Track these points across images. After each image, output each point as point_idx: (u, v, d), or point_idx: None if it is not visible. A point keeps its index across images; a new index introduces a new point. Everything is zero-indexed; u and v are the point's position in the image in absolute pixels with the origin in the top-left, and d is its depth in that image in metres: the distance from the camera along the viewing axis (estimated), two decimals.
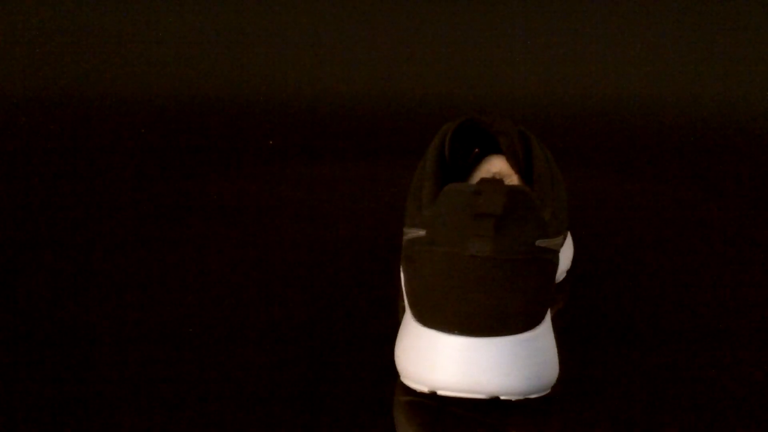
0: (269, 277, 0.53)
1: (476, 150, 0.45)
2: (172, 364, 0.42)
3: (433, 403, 0.38)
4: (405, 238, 0.40)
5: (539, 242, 0.37)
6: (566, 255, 0.51)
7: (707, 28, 1.12)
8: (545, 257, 0.38)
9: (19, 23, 1.09)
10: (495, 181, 0.37)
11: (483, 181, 0.37)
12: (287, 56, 1.11)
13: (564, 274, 0.51)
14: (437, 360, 0.37)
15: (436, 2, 1.15)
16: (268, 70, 1.10)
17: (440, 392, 0.37)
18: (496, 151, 0.48)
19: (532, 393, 0.37)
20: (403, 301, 0.42)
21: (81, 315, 0.47)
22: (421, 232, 0.38)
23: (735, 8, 1.12)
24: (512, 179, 0.46)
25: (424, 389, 0.37)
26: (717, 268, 0.56)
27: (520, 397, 0.37)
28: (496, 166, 0.46)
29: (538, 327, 0.37)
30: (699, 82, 1.08)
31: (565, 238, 0.43)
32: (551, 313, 0.40)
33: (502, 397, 0.36)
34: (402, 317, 0.41)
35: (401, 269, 0.41)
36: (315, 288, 0.51)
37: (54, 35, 1.09)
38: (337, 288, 0.51)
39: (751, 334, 0.46)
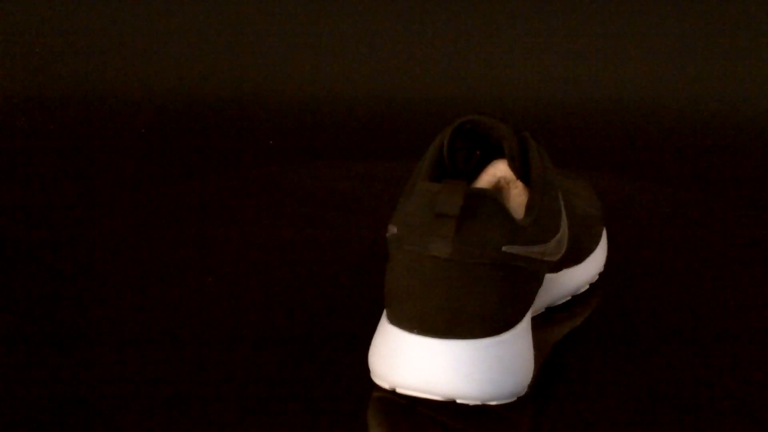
0: (269, 276, 0.53)
1: (477, 153, 0.44)
2: (172, 364, 0.42)
3: (403, 401, 0.38)
4: (386, 235, 0.40)
5: (507, 248, 0.37)
6: (596, 259, 0.50)
7: (707, 28, 1.12)
8: (513, 264, 0.37)
9: (19, 23, 1.09)
10: (456, 182, 0.37)
11: (446, 181, 0.37)
12: (287, 56, 1.11)
13: (595, 277, 0.51)
14: (397, 358, 0.37)
15: (436, 2, 1.15)
16: (268, 70, 1.10)
17: (399, 390, 0.37)
18: (502, 154, 0.48)
19: (490, 400, 0.37)
20: None
21: (81, 315, 0.47)
22: (395, 230, 0.38)
23: (735, 8, 1.12)
24: (517, 185, 0.46)
25: (387, 386, 0.38)
26: (717, 268, 0.56)
27: (477, 402, 0.37)
28: (502, 170, 0.46)
29: (503, 334, 0.37)
30: (699, 82, 1.08)
31: (560, 248, 0.42)
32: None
33: (457, 401, 0.37)
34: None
35: None
36: (315, 288, 0.51)
37: (54, 35, 1.09)
38: (337, 288, 0.51)
39: (751, 334, 0.46)
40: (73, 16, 1.10)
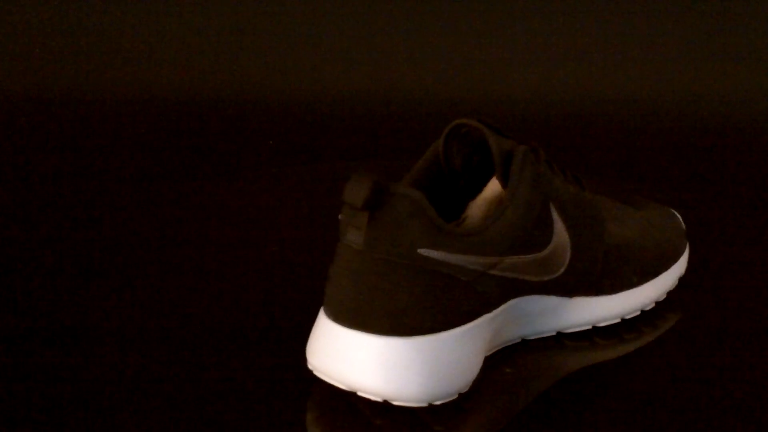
0: (269, 276, 0.53)
1: (476, 158, 0.44)
2: (172, 364, 0.42)
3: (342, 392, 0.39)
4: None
5: (424, 251, 0.37)
6: (638, 294, 0.47)
7: (707, 28, 1.12)
8: (431, 268, 0.37)
9: (19, 23, 1.09)
10: (368, 175, 0.36)
11: (361, 172, 0.37)
12: (287, 56, 1.11)
13: (634, 312, 0.47)
14: (316, 341, 0.38)
15: (436, 3, 1.15)
16: (268, 70, 1.10)
17: (315, 373, 0.38)
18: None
19: (392, 399, 0.37)
20: None
21: (81, 315, 0.47)
22: (340, 217, 0.39)
23: (735, 8, 1.12)
24: None
25: (309, 367, 0.39)
26: (716, 268, 0.56)
27: (378, 399, 0.37)
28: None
29: (416, 337, 0.37)
30: (699, 82, 1.08)
31: (544, 269, 0.41)
32: None
33: (359, 393, 0.37)
34: None
35: None
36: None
37: (54, 35, 1.09)
38: None
39: (751, 334, 0.46)
40: (73, 16, 1.10)
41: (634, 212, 0.49)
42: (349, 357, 0.37)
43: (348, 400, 0.39)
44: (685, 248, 0.50)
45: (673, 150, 0.94)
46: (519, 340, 0.44)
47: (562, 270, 0.42)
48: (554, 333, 0.45)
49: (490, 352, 0.43)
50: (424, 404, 0.37)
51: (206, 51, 1.10)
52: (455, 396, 0.38)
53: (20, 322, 0.46)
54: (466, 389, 0.39)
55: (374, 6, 1.14)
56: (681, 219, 0.52)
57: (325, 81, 1.09)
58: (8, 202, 0.69)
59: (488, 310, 0.39)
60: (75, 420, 0.37)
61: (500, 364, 0.42)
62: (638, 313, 0.47)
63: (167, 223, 0.63)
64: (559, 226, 0.42)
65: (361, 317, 0.37)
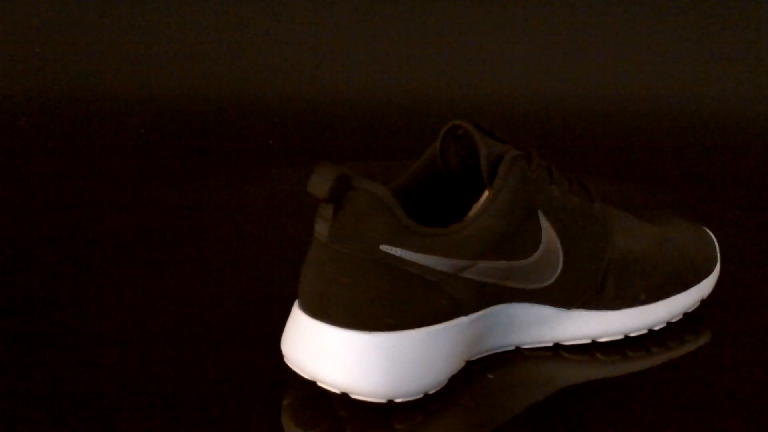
0: (269, 276, 0.53)
1: (471, 162, 0.44)
2: (172, 364, 0.42)
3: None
4: None
5: (386, 248, 0.37)
6: (648, 312, 0.45)
7: (707, 28, 1.12)
8: (394, 265, 0.37)
9: (19, 23, 1.09)
10: (330, 167, 0.36)
11: (324, 163, 0.37)
12: (287, 56, 1.11)
13: (639, 331, 0.45)
14: (287, 330, 0.39)
15: (436, 3, 1.15)
16: (268, 70, 1.10)
17: (285, 361, 0.39)
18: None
19: (349, 392, 0.37)
20: None
21: (81, 315, 0.47)
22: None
23: (735, 8, 1.12)
24: None
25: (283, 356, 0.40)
26: (746, 289, 0.56)
27: (335, 391, 0.37)
28: None
29: (375, 333, 0.37)
30: (699, 82, 1.08)
31: (524, 278, 0.40)
32: None
33: (317, 383, 0.38)
34: None
35: None
36: None
37: (54, 35, 1.09)
38: None
39: (751, 334, 0.46)
40: (73, 16, 1.10)
41: (649, 227, 0.47)
42: (311, 347, 0.37)
43: (320, 389, 0.39)
44: (712, 270, 0.48)
45: (673, 150, 0.94)
46: (513, 348, 0.44)
47: (552, 280, 0.41)
48: (551, 344, 0.44)
49: (475, 357, 0.42)
50: (383, 400, 0.38)
51: (206, 51, 1.10)
52: (420, 395, 0.38)
53: (20, 322, 0.46)
54: (434, 390, 0.39)
55: (374, 6, 1.14)
56: (714, 239, 0.49)
57: (325, 81, 1.09)
58: (8, 202, 0.69)
59: (463, 314, 0.39)
60: (75, 420, 0.37)
61: (486, 370, 0.42)
62: (645, 331, 0.45)
63: (167, 223, 0.63)
64: (550, 235, 0.41)
65: (323, 308, 0.37)
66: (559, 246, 0.41)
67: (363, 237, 0.36)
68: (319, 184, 0.36)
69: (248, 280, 0.52)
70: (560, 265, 0.41)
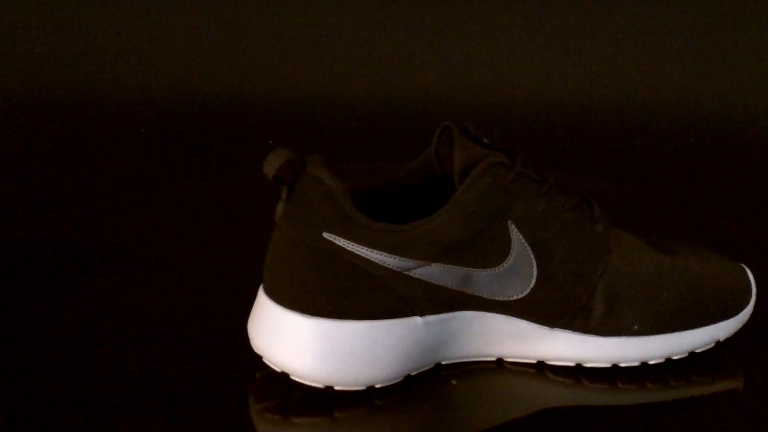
0: None
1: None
2: (171, 364, 0.42)
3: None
4: None
5: (329, 236, 0.37)
6: (643, 346, 0.42)
7: (707, 28, 1.12)
8: (335, 253, 0.37)
9: (19, 23, 1.09)
10: (283, 150, 0.37)
11: (282, 147, 0.38)
12: (287, 56, 1.11)
13: (630, 362, 0.42)
14: (254, 306, 0.41)
15: (436, 3, 1.15)
16: (268, 70, 1.10)
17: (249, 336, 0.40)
18: None
19: (289, 372, 0.38)
20: None
21: (81, 315, 0.47)
22: None
23: (735, 8, 1.12)
24: None
25: None
26: None
27: (276, 369, 0.39)
28: None
29: (316, 318, 0.37)
30: (699, 82, 1.08)
31: (487, 286, 0.39)
32: None
33: (263, 359, 0.39)
34: None
35: None
36: None
37: (54, 35, 1.09)
38: None
39: (751, 334, 0.46)
40: (73, 16, 1.10)
41: (658, 255, 0.43)
42: (262, 324, 0.39)
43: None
44: (737, 312, 0.43)
45: (673, 150, 0.94)
46: (495, 359, 0.42)
47: (523, 294, 0.40)
48: (535, 361, 0.42)
49: (448, 362, 0.42)
50: (320, 386, 0.38)
51: (206, 51, 1.10)
52: (362, 387, 0.39)
53: (20, 322, 0.46)
54: (381, 385, 0.39)
55: (374, 6, 1.14)
56: (752, 280, 0.44)
57: (325, 81, 1.09)
58: (8, 202, 0.69)
59: (417, 314, 0.39)
60: (75, 420, 0.37)
61: (454, 376, 0.41)
62: (636, 363, 0.42)
63: (167, 223, 0.63)
64: (521, 248, 0.39)
65: (272, 287, 0.39)
66: (533, 260, 0.39)
67: (309, 222, 0.37)
68: (270, 165, 0.37)
69: (248, 280, 0.52)
70: (533, 281, 0.40)
